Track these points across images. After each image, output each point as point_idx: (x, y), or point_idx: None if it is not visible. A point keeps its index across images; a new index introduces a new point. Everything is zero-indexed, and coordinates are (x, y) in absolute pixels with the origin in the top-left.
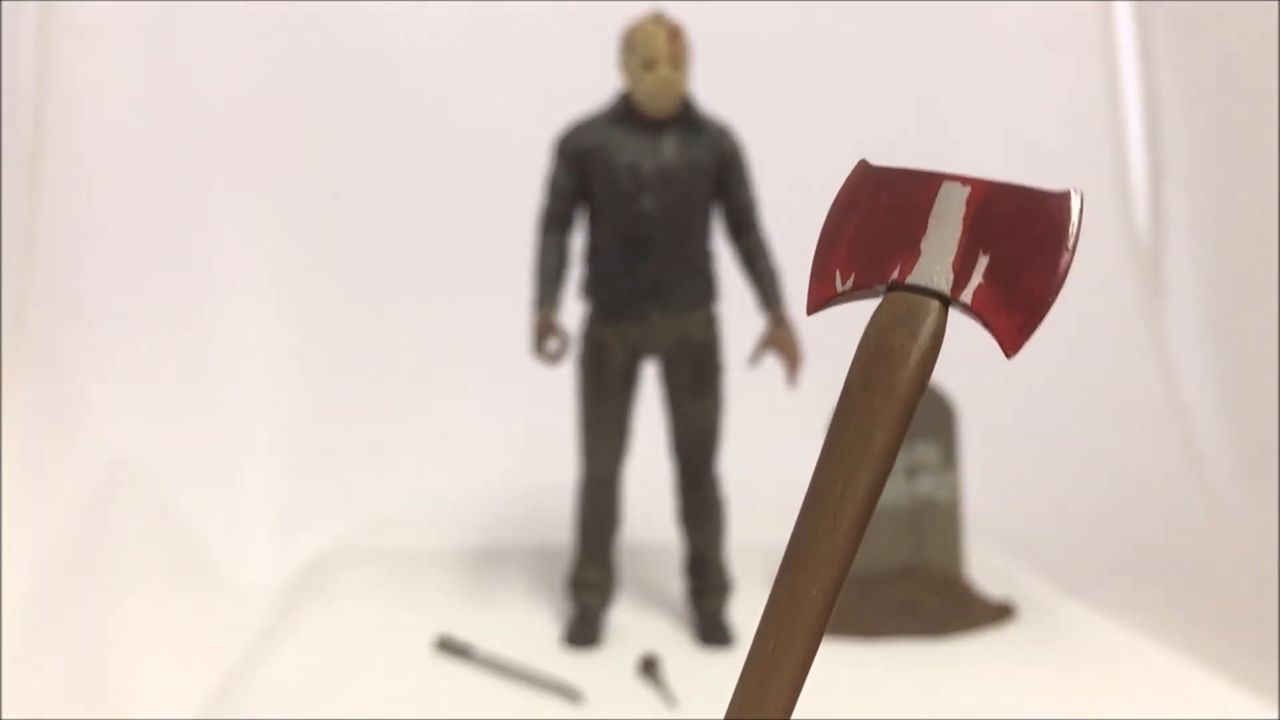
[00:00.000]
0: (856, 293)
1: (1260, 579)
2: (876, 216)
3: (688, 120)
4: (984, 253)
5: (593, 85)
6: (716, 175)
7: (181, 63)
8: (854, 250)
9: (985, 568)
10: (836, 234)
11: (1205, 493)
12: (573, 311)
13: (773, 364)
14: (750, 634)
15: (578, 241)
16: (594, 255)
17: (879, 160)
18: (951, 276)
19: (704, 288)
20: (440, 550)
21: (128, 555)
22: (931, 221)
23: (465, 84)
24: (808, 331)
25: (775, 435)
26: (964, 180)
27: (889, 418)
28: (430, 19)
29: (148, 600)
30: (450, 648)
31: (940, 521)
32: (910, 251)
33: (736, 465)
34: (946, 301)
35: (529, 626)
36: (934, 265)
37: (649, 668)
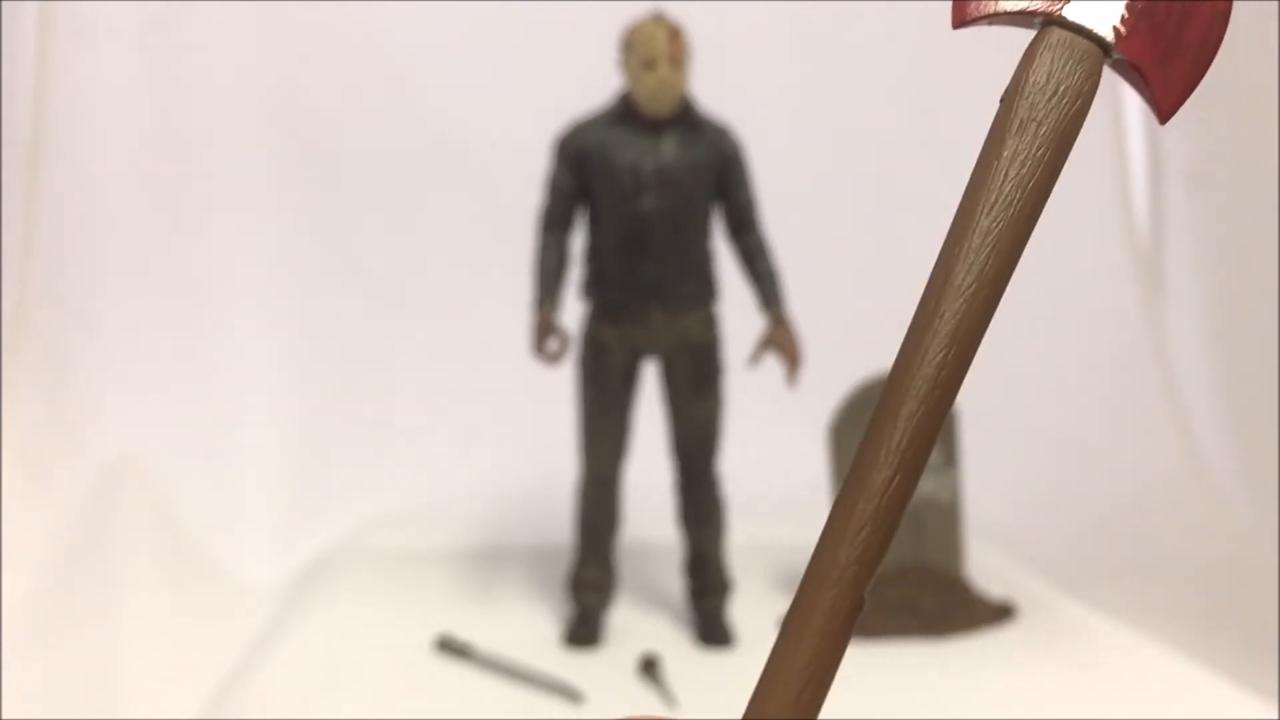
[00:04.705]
0: (1008, 17)
1: (1260, 579)
2: None
3: (688, 120)
4: (1146, 8)
5: (593, 85)
6: (716, 175)
7: (181, 63)
8: None
9: (985, 568)
10: None
11: (1205, 493)
12: (573, 311)
13: (773, 364)
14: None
15: (577, 241)
16: (594, 255)
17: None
18: (1116, 25)
19: (704, 288)
20: (440, 550)
21: (128, 555)
22: None
23: (465, 84)
24: (808, 332)
25: (775, 435)
26: None
27: (1051, 159)
28: (430, 18)
29: (148, 600)
30: (450, 648)
31: (940, 521)
32: None
33: (736, 465)
34: (1106, 50)
35: (529, 626)
36: (1095, 9)
37: (649, 668)
